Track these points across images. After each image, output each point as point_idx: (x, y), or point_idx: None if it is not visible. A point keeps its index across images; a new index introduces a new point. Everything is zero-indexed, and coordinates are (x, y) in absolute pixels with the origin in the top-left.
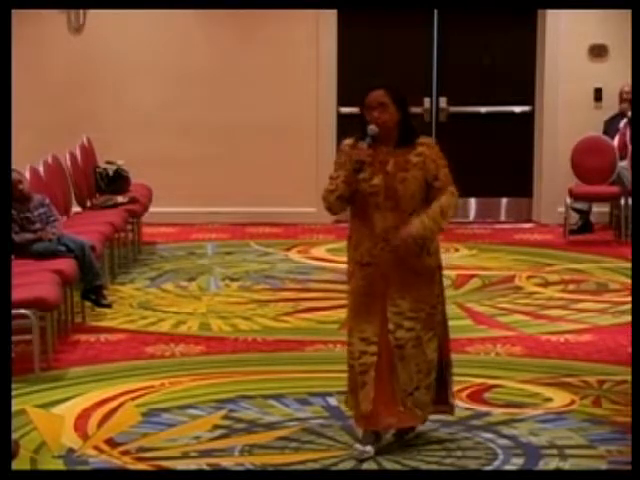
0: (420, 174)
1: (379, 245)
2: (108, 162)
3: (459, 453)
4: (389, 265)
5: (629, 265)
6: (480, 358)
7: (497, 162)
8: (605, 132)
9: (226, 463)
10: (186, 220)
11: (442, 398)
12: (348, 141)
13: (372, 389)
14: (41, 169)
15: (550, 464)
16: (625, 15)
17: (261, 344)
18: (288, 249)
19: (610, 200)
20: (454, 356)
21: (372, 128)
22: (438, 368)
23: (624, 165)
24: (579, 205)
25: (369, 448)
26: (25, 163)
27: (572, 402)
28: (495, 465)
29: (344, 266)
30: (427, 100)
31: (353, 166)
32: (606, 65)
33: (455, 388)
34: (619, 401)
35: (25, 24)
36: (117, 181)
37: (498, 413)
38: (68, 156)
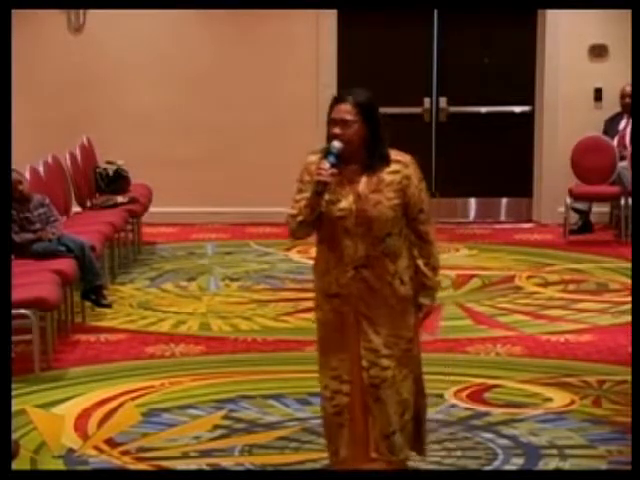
0: (396, 195)
1: (348, 274)
2: (108, 162)
3: (459, 453)
4: (359, 296)
5: (629, 265)
6: (480, 358)
7: (497, 162)
8: (605, 132)
9: (226, 463)
10: (186, 220)
11: (416, 446)
12: (313, 158)
13: (347, 432)
14: (41, 169)
15: (550, 464)
16: (625, 15)
17: (261, 344)
18: (288, 249)
19: (610, 200)
20: (454, 356)
21: (335, 145)
22: (414, 408)
23: (624, 165)
24: (579, 205)
25: None
26: (25, 163)
27: (572, 402)
28: (495, 465)
29: None
30: (427, 100)
31: (315, 188)
32: (606, 65)
33: (455, 388)
34: (619, 401)
35: (25, 24)
36: (117, 181)
37: (498, 413)
38: (68, 156)
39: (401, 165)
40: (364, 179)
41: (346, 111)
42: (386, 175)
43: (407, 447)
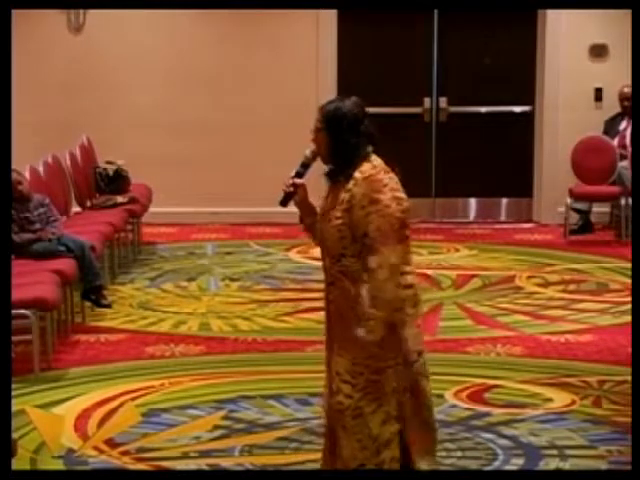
0: (342, 215)
1: (326, 290)
2: (108, 162)
3: (459, 453)
4: (330, 317)
5: (629, 265)
6: (480, 358)
7: (497, 162)
8: (605, 132)
9: (226, 463)
10: (186, 220)
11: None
12: None
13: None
14: (41, 169)
15: (550, 464)
16: (625, 15)
17: (261, 344)
18: (288, 249)
19: (610, 200)
20: (454, 356)
21: (305, 153)
22: (402, 452)
23: (624, 165)
24: (579, 205)
25: None
26: (25, 163)
27: (572, 402)
28: (495, 465)
29: None
30: (427, 100)
31: (280, 198)
32: (606, 65)
33: (455, 388)
34: (619, 401)
35: (25, 24)
36: (117, 181)
37: (498, 413)
38: (68, 156)
39: (354, 182)
40: (331, 194)
41: (316, 119)
42: (343, 192)
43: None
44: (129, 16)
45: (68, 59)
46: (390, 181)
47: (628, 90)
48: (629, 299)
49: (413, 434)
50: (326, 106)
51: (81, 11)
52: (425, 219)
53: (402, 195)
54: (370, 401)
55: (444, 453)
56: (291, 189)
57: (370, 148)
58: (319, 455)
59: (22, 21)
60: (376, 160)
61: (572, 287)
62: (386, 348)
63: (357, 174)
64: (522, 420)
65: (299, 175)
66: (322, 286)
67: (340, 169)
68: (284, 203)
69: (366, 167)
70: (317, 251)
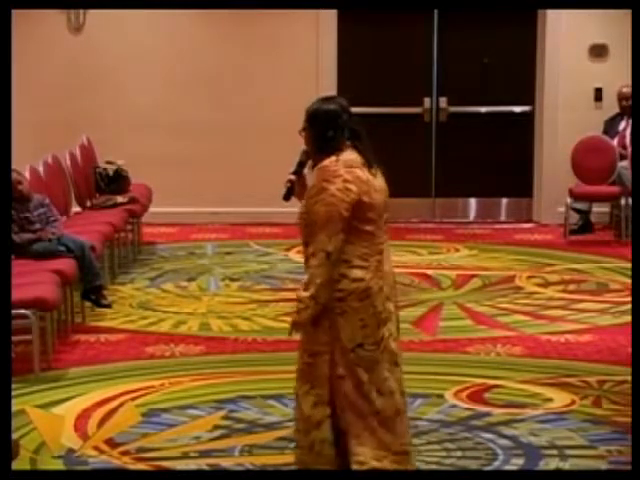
0: (304, 204)
1: None
2: (108, 162)
3: (459, 453)
4: None
5: (629, 265)
6: (480, 358)
7: (497, 162)
8: (605, 132)
9: (226, 463)
10: (186, 220)
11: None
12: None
13: None
14: (41, 169)
15: (550, 464)
16: (625, 15)
17: (261, 344)
18: (288, 249)
19: (610, 200)
20: (453, 356)
21: (301, 151)
22: (339, 437)
23: (624, 165)
24: (579, 205)
25: None
26: (25, 163)
27: (572, 402)
28: (495, 465)
29: None
30: (427, 100)
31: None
32: (606, 65)
33: (455, 388)
34: (619, 401)
35: (25, 24)
36: (117, 181)
37: (498, 413)
38: (68, 156)
39: (314, 173)
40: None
41: (304, 119)
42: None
43: (356, 457)
44: (129, 16)
45: (68, 59)
46: (347, 174)
47: (626, 90)
48: (629, 299)
49: (346, 421)
50: (310, 107)
51: (81, 11)
52: (425, 219)
53: (353, 187)
54: (303, 383)
55: (444, 453)
56: (288, 184)
57: (348, 142)
58: None
59: (22, 21)
60: (350, 155)
61: (572, 287)
62: (320, 333)
63: (320, 164)
64: (522, 420)
65: (296, 173)
66: None
67: (314, 163)
68: (286, 198)
69: (330, 159)
70: None
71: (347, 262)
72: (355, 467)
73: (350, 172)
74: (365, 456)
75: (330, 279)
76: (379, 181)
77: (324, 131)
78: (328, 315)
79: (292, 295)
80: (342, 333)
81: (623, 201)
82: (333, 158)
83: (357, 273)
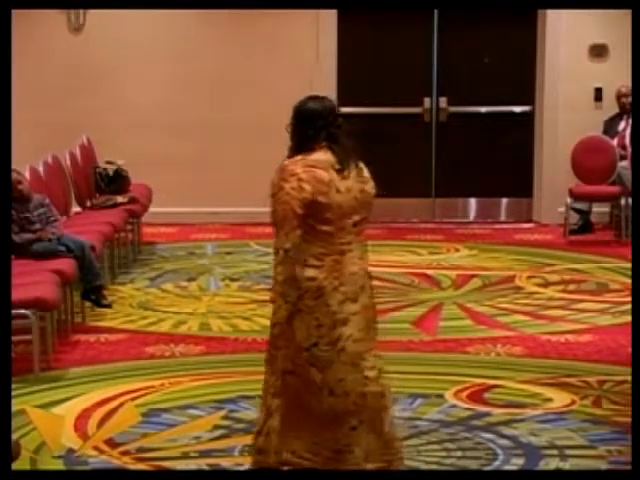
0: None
1: None
2: (108, 162)
3: (459, 453)
4: None
5: (629, 265)
6: (480, 358)
7: (497, 162)
8: (605, 132)
9: (226, 463)
10: (186, 220)
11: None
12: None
13: None
14: (41, 169)
15: (550, 464)
16: (625, 15)
17: (261, 344)
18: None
19: (610, 200)
20: (453, 356)
21: None
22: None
23: (624, 165)
24: (579, 205)
25: None
26: (25, 163)
27: (572, 402)
28: (495, 465)
29: None
30: (427, 100)
31: None
32: (606, 65)
33: (455, 388)
34: (619, 401)
35: (25, 24)
36: (117, 181)
37: (498, 413)
38: (68, 156)
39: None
40: None
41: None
42: None
43: (268, 454)
44: (129, 16)
45: (68, 59)
46: (303, 174)
47: (625, 90)
48: (629, 299)
49: (288, 413)
50: (297, 104)
51: (81, 11)
52: (425, 219)
53: (307, 187)
54: (267, 373)
55: (444, 453)
56: None
57: (324, 143)
58: None
59: (22, 21)
60: (321, 155)
61: (572, 287)
62: (278, 329)
63: (281, 165)
64: (522, 420)
65: None
66: None
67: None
68: None
69: (294, 159)
70: None
71: (302, 261)
72: (286, 455)
73: (308, 172)
74: (298, 446)
75: (293, 276)
76: (350, 183)
77: (305, 130)
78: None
79: None
80: (297, 332)
81: (623, 201)
82: (298, 158)
83: (310, 272)
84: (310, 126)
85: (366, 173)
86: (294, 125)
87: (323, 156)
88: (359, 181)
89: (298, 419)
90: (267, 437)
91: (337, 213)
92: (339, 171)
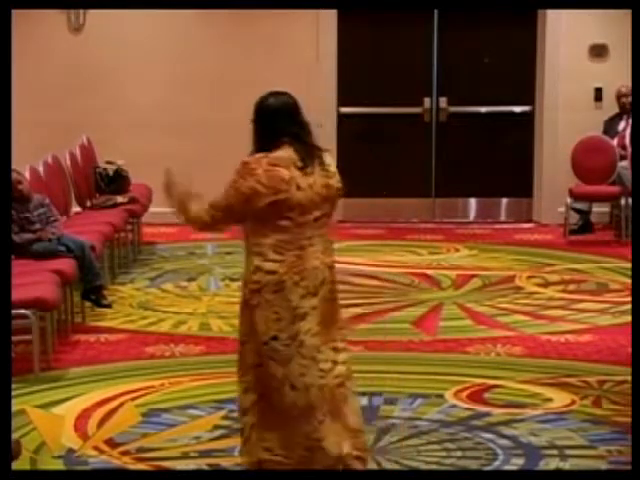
0: None
1: None
2: (108, 162)
3: (459, 453)
4: None
5: (629, 265)
6: (480, 358)
7: (497, 162)
8: (604, 132)
9: (226, 463)
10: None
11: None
12: None
13: None
14: (41, 169)
15: (550, 464)
16: (625, 15)
17: None
18: None
19: (610, 200)
20: (453, 356)
21: None
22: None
23: (624, 165)
24: (579, 205)
25: None
26: (25, 163)
27: (572, 402)
28: (495, 465)
29: (344, 266)
30: (427, 100)
31: None
32: (606, 65)
33: (455, 388)
34: (619, 401)
35: (25, 24)
36: (117, 181)
37: (498, 413)
38: (68, 156)
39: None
40: None
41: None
42: None
43: (247, 452)
44: (129, 16)
45: (68, 59)
46: (265, 175)
47: (625, 89)
48: (629, 299)
49: (261, 407)
50: (257, 100)
51: (81, 11)
52: (425, 219)
53: (262, 189)
54: (237, 369)
55: (444, 453)
56: None
57: (286, 139)
58: None
59: (22, 21)
60: (283, 153)
61: (572, 287)
62: (243, 324)
63: (243, 160)
64: (522, 420)
65: None
66: None
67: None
68: None
69: (256, 156)
70: None
71: (262, 255)
72: (262, 453)
73: (269, 171)
74: (273, 443)
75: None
76: (313, 179)
77: (265, 127)
78: (247, 306)
79: None
80: (257, 325)
81: (623, 201)
82: (261, 155)
83: (271, 266)
84: (270, 123)
85: (332, 168)
86: (255, 122)
87: (285, 154)
88: (323, 176)
89: (270, 414)
90: (242, 435)
91: (297, 209)
92: (301, 168)
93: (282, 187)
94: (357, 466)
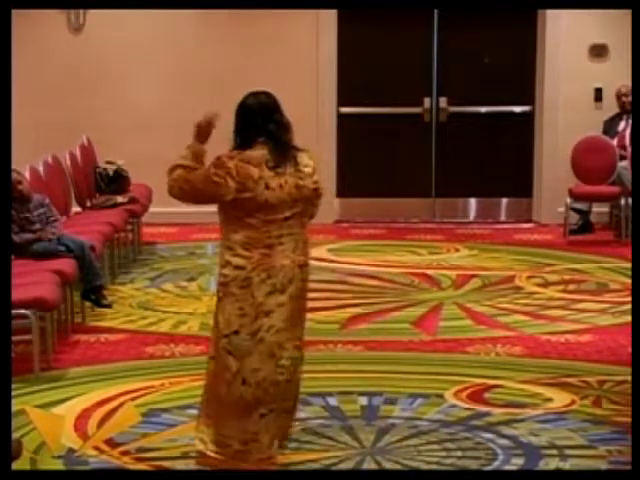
0: None
1: None
2: (108, 162)
3: (459, 453)
4: None
5: (629, 265)
6: (480, 358)
7: (497, 162)
8: (604, 132)
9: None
10: (186, 220)
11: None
12: None
13: None
14: (41, 169)
15: (550, 464)
16: (625, 15)
17: None
18: None
19: (610, 200)
20: (453, 356)
21: None
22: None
23: (624, 165)
24: (579, 205)
25: None
26: (25, 163)
27: (572, 402)
28: (495, 465)
29: (344, 266)
30: (427, 100)
31: None
32: (606, 65)
33: (455, 388)
34: (619, 401)
35: (25, 24)
36: (117, 181)
37: (498, 413)
38: (68, 156)
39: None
40: None
41: None
42: None
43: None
44: (129, 16)
45: (68, 59)
46: (236, 170)
47: (625, 90)
48: (629, 299)
49: (204, 398)
50: (240, 99)
51: (81, 11)
52: (425, 219)
53: (232, 184)
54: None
55: (444, 453)
56: None
57: (262, 139)
58: (319, 455)
59: (22, 21)
60: (257, 152)
61: (572, 287)
62: (215, 318)
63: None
64: (522, 420)
65: None
66: (321, 286)
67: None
68: None
69: (230, 153)
70: (316, 251)
71: (231, 250)
72: (196, 443)
73: (240, 167)
74: (208, 436)
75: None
76: (284, 179)
77: (242, 126)
78: (224, 294)
79: None
80: (220, 316)
81: (623, 201)
82: (234, 152)
83: (239, 261)
84: (247, 122)
85: (308, 169)
86: (234, 121)
87: (258, 152)
88: (296, 177)
89: (211, 408)
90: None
91: (264, 208)
92: (273, 168)
93: (249, 185)
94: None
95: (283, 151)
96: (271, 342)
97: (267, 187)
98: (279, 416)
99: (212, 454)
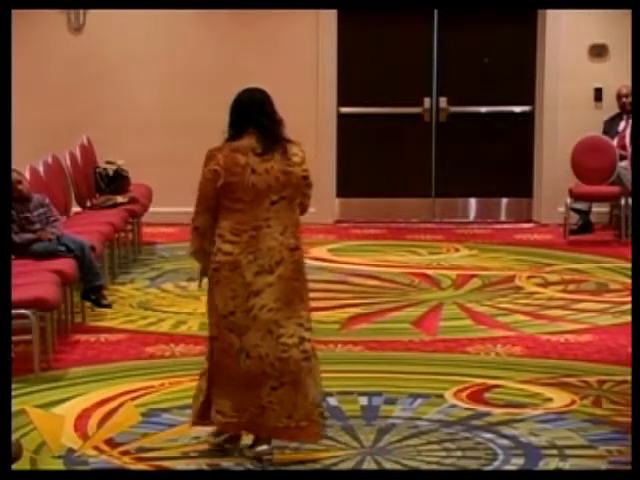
0: None
1: None
2: (108, 162)
3: (459, 453)
4: None
5: (629, 265)
6: (480, 358)
7: (497, 162)
8: (604, 132)
9: (226, 463)
10: (186, 220)
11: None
12: None
13: None
14: (41, 169)
15: (550, 464)
16: (625, 15)
17: None
18: None
19: (610, 200)
20: (453, 356)
21: None
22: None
23: (624, 165)
24: (579, 205)
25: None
26: (25, 163)
27: (572, 402)
28: (495, 465)
29: (344, 266)
30: (427, 100)
31: None
32: (606, 65)
33: (455, 388)
34: (619, 401)
35: (25, 24)
36: (117, 181)
37: (498, 413)
38: (68, 156)
39: None
40: None
41: None
42: None
43: (199, 414)
44: (129, 16)
45: (68, 59)
46: (222, 158)
47: (625, 90)
48: (629, 299)
49: (213, 375)
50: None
51: (81, 11)
52: (425, 219)
53: (220, 170)
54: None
55: (444, 453)
56: None
57: (252, 129)
58: (319, 455)
59: (22, 21)
60: (245, 141)
61: (572, 287)
62: (208, 300)
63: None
64: (522, 420)
65: None
66: (321, 286)
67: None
68: None
69: (219, 145)
70: (316, 251)
71: (221, 237)
72: (213, 415)
73: (227, 156)
74: (225, 407)
75: (202, 248)
76: (271, 165)
77: (234, 118)
78: (210, 284)
79: None
80: (217, 300)
81: (623, 201)
82: (224, 144)
83: (227, 247)
84: (238, 115)
85: (297, 158)
86: (229, 115)
87: (246, 142)
88: (284, 164)
89: (223, 382)
90: (195, 395)
91: (251, 191)
92: (260, 154)
93: (236, 170)
94: (309, 430)
95: (271, 139)
96: (265, 320)
97: (253, 171)
98: (296, 392)
99: (233, 420)
